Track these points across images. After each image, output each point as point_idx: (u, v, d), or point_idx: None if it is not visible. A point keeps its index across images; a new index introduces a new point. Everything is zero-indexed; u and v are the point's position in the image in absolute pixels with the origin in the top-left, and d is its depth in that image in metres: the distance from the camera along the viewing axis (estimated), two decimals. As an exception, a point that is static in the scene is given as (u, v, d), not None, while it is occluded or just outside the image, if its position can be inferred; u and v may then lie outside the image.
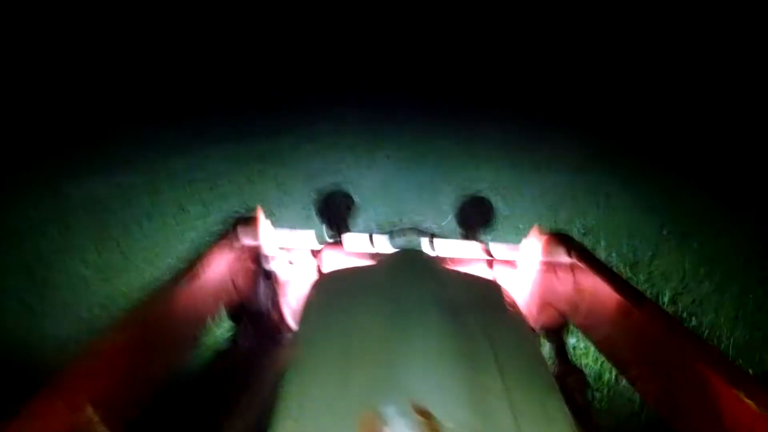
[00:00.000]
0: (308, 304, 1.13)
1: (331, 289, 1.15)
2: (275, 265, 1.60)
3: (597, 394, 2.33)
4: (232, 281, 1.34)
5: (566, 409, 0.82)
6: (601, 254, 3.80)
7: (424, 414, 0.48)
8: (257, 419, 0.94)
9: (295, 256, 1.66)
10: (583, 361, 2.42)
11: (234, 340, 1.45)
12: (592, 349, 2.44)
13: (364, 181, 5.42)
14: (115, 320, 0.90)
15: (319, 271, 1.62)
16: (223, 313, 1.37)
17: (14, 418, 0.63)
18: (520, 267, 1.61)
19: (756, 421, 0.70)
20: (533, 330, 1.46)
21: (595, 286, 1.17)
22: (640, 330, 1.02)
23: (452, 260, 1.62)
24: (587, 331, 1.25)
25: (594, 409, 1.34)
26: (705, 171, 5.80)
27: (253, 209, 1.52)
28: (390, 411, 0.47)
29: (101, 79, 8.44)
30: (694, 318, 3.12)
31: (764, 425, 0.69)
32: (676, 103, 8.40)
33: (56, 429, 0.68)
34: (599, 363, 2.44)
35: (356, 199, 1.68)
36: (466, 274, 1.32)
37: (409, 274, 1.17)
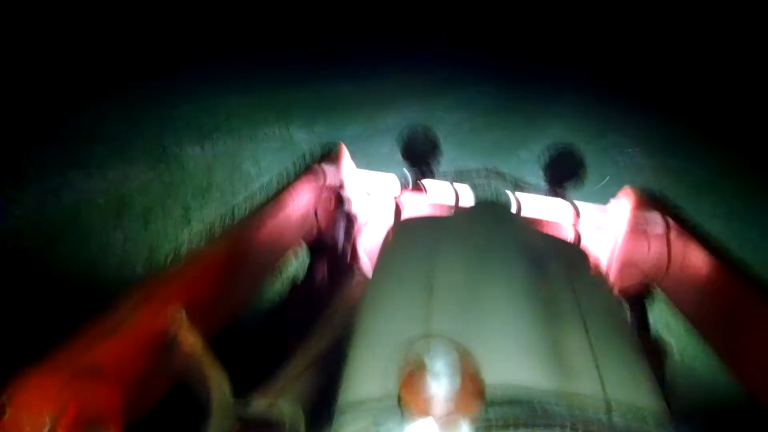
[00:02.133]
0: (388, 246, 1.13)
1: (411, 233, 1.15)
2: (356, 205, 1.61)
3: (678, 368, 2.22)
4: (315, 215, 1.36)
5: (652, 373, 0.78)
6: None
7: (468, 367, 0.47)
8: (328, 346, 0.97)
9: (375, 199, 1.67)
10: (666, 333, 2.30)
11: (310, 271, 1.49)
12: (675, 321, 2.31)
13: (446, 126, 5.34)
14: (207, 237, 0.94)
15: (398, 215, 1.62)
16: (303, 244, 1.41)
17: (109, 313, 0.67)
18: (606, 226, 1.53)
19: None
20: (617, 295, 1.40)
21: (688, 249, 1.10)
22: (735, 299, 0.94)
23: (533, 217, 1.56)
24: (673, 297, 1.18)
25: (673, 382, 1.27)
26: None
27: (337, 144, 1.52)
28: (433, 362, 0.47)
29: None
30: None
31: None
32: None
33: (150, 326, 0.72)
34: (682, 336, 2.31)
35: (441, 141, 1.64)
36: (548, 234, 1.27)
37: (491, 224, 1.15)
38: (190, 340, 0.72)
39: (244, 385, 0.82)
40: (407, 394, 0.46)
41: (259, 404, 0.70)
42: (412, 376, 0.47)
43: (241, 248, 0.99)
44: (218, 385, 0.65)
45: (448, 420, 0.46)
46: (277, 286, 1.68)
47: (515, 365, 0.67)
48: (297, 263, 1.55)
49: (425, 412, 0.46)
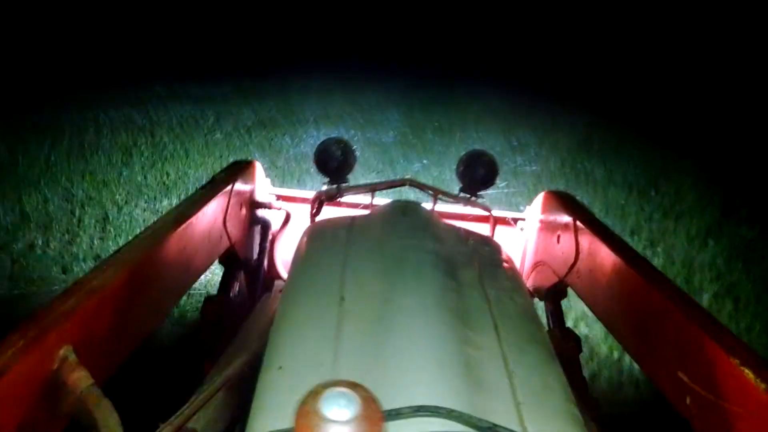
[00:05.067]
0: (299, 253, 1.10)
1: (323, 238, 1.12)
2: (269, 213, 1.56)
3: (590, 361, 2.33)
4: (225, 227, 1.30)
5: (563, 373, 0.79)
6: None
7: (368, 410, 0.45)
8: (244, 365, 0.92)
9: (289, 205, 1.63)
10: (579, 327, 2.41)
11: (224, 286, 1.43)
12: (588, 314, 2.43)
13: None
14: (101, 262, 0.87)
15: (314, 220, 1.59)
16: (215, 258, 1.35)
17: None
18: (519, 225, 1.58)
19: (752, 392, 0.68)
20: (529, 290, 1.44)
21: (594, 247, 1.14)
22: (638, 294, 0.99)
23: (450, 216, 1.58)
24: (583, 293, 1.23)
25: (585, 375, 1.32)
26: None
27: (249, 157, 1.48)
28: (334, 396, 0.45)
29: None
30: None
31: (760, 395, 0.67)
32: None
33: (31, 367, 0.65)
34: (594, 329, 2.44)
35: (356, 149, 1.63)
36: (463, 230, 1.29)
37: (404, 226, 1.14)
38: (78, 379, 0.66)
39: (154, 412, 0.76)
40: None
41: None
42: (305, 419, 0.44)
43: (140, 273, 0.91)
44: (106, 425, 0.60)
45: None
46: (192, 304, 1.59)
47: (426, 383, 0.65)
48: (212, 279, 1.48)
49: None
